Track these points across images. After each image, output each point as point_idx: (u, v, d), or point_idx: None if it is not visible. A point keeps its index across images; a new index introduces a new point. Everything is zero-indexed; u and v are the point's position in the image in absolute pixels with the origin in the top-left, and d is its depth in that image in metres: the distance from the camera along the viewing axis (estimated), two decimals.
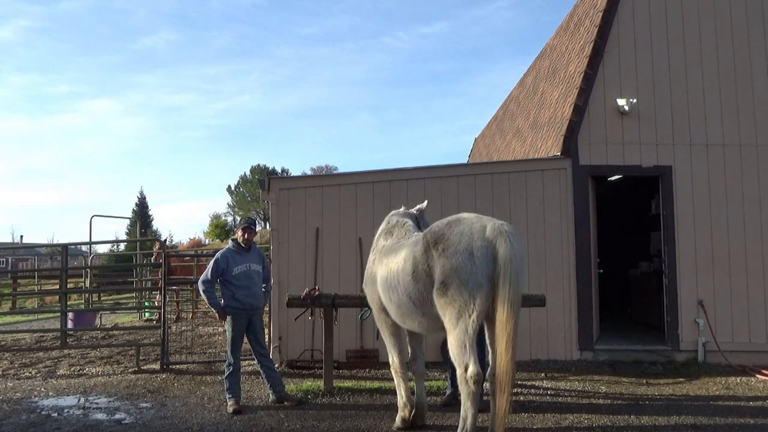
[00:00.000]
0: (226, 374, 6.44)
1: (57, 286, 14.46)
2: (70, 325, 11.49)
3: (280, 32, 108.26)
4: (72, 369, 8.75)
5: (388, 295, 5.30)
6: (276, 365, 7.54)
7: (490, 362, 4.89)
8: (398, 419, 5.58)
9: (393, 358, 5.70)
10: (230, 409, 6.21)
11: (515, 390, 6.87)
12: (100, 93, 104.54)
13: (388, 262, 5.33)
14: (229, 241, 6.80)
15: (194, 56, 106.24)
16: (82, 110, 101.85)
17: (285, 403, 6.46)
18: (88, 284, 14.28)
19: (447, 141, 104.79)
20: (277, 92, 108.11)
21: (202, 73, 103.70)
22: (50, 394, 7.27)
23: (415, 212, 6.20)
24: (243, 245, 6.57)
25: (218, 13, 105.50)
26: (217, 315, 6.71)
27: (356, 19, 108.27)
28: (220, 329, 12.51)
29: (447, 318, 4.65)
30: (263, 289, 6.74)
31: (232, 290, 6.40)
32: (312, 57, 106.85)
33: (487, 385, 5.04)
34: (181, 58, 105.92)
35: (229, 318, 6.45)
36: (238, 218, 66.97)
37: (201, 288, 6.43)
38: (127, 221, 46.27)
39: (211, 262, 6.49)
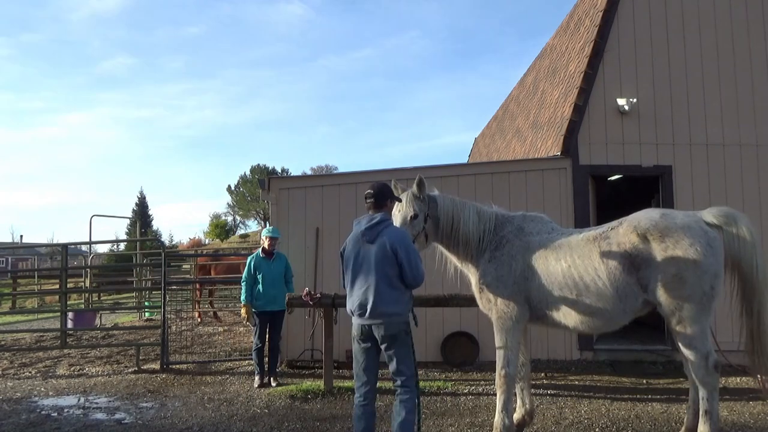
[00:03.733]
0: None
1: (57, 286, 14.47)
2: (70, 324, 11.50)
3: (225, 57, 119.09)
4: (72, 369, 8.75)
5: (565, 293, 4.81)
6: (277, 365, 7.60)
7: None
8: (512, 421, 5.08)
9: (509, 368, 4.95)
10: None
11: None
12: (72, 108, 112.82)
13: (563, 258, 4.85)
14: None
15: (153, 77, 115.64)
16: (60, 123, 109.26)
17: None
18: (88, 284, 14.28)
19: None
20: (236, 106, 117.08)
21: (164, 91, 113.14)
22: (50, 393, 7.27)
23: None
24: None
25: (165, 42, 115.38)
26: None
27: (291, 47, 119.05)
28: (220, 329, 12.52)
29: (685, 311, 4.57)
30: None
31: None
32: (258, 77, 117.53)
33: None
34: (142, 79, 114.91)
35: None
36: (238, 218, 67.02)
37: None
38: (127, 221, 46.31)
39: None
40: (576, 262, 4.78)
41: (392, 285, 4.33)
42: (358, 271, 4.40)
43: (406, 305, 4.43)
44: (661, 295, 4.59)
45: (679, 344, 4.70)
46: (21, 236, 56.40)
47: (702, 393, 4.61)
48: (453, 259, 5.40)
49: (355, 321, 4.44)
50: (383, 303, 4.29)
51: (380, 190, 4.59)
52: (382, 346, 4.37)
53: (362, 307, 4.35)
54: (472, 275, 5.26)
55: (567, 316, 4.85)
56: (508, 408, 4.94)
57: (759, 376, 4.83)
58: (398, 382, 4.36)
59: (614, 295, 4.67)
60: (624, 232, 4.76)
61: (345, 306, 6.96)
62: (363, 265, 4.38)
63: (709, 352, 4.58)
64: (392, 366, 4.36)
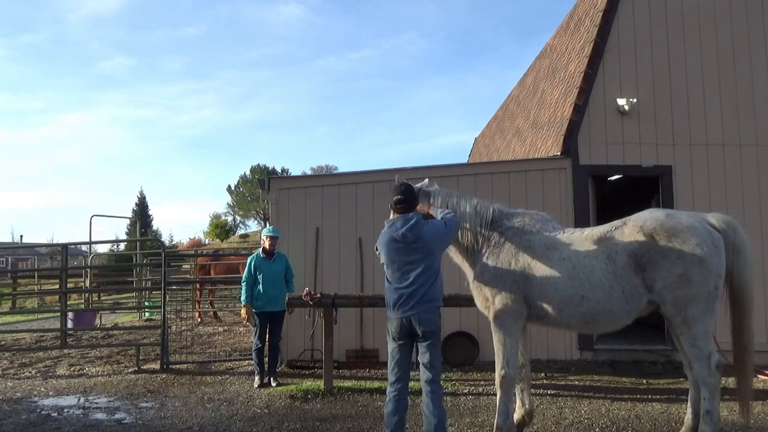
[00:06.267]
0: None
1: (57, 286, 14.47)
2: (70, 324, 11.50)
3: (224, 58, 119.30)
4: (72, 369, 8.75)
5: (569, 293, 4.74)
6: (276, 365, 7.61)
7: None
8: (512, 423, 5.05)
9: (508, 369, 4.91)
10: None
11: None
12: (71, 108, 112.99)
13: (568, 258, 4.79)
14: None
15: (152, 78, 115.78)
16: (59, 123, 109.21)
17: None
18: (88, 284, 14.28)
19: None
20: (236, 106, 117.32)
21: (163, 92, 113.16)
22: (50, 393, 7.27)
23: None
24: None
25: (164, 43, 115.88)
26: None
27: (290, 47, 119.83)
28: (220, 329, 12.52)
29: (689, 310, 4.59)
30: None
31: None
32: (257, 78, 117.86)
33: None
34: (141, 79, 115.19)
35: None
36: (238, 218, 66.83)
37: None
38: (127, 221, 46.29)
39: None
40: (582, 262, 4.76)
41: (436, 280, 4.65)
42: (401, 271, 4.61)
43: (440, 299, 4.76)
44: (667, 295, 4.60)
45: (683, 344, 4.71)
46: (21, 236, 56.26)
47: (704, 393, 4.62)
48: (451, 256, 5.38)
49: (395, 315, 4.62)
50: (427, 298, 4.58)
51: (409, 193, 4.81)
52: (421, 340, 4.61)
53: (407, 302, 4.57)
54: (468, 271, 5.24)
55: (571, 317, 4.82)
56: (508, 408, 4.94)
57: (745, 401, 4.79)
58: (429, 377, 4.58)
59: (621, 295, 4.66)
60: (630, 232, 4.74)
61: (344, 306, 6.97)
62: (406, 265, 4.60)
63: (711, 352, 4.59)
64: (425, 359, 4.61)
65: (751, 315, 4.78)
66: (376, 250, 4.87)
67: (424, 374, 4.61)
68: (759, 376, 7.66)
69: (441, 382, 4.74)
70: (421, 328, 4.54)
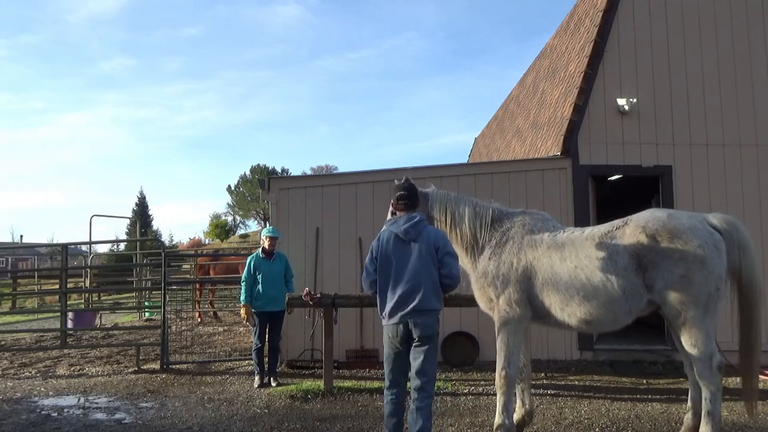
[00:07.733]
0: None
1: (57, 286, 14.47)
2: (69, 324, 11.50)
3: (224, 58, 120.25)
4: (72, 369, 8.75)
5: (571, 293, 4.75)
6: (276, 365, 7.61)
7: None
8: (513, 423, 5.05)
9: (509, 369, 4.90)
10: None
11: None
12: (71, 108, 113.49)
13: (569, 258, 4.79)
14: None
15: (152, 78, 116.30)
16: (59, 123, 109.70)
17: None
18: (88, 284, 14.28)
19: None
20: (236, 106, 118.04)
21: (163, 92, 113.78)
22: (50, 393, 7.27)
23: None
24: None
25: (164, 43, 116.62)
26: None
27: (289, 48, 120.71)
28: (220, 329, 12.52)
29: (690, 311, 4.58)
30: None
31: None
32: (257, 78, 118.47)
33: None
34: (141, 79, 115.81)
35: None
36: (238, 218, 66.75)
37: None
38: (127, 221, 46.29)
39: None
40: (583, 263, 4.75)
41: (435, 282, 4.45)
42: (400, 270, 4.45)
43: (441, 303, 4.54)
44: (668, 296, 4.60)
45: (684, 345, 4.71)
46: (21, 236, 56.22)
47: (705, 394, 4.62)
48: None
49: (393, 320, 4.44)
50: (426, 299, 4.39)
51: (411, 190, 4.71)
52: (416, 344, 4.40)
53: (405, 303, 4.38)
54: (471, 272, 5.22)
55: (571, 317, 4.81)
56: (508, 408, 4.93)
57: (750, 400, 4.84)
58: (418, 383, 4.36)
59: (622, 296, 4.66)
60: (631, 232, 4.74)
61: (344, 306, 6.91)
62: (406, 264, 4.43)
63: (713, 352, 4.59)
64: (417, 365, 4.38)
65: (760, 312, 4.78)
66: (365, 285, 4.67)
67: (414, 381, 4.39)
68: (759, 375, 7.65)
69: (439, 383, 4.64)
70: (417, 332, 4.36)
